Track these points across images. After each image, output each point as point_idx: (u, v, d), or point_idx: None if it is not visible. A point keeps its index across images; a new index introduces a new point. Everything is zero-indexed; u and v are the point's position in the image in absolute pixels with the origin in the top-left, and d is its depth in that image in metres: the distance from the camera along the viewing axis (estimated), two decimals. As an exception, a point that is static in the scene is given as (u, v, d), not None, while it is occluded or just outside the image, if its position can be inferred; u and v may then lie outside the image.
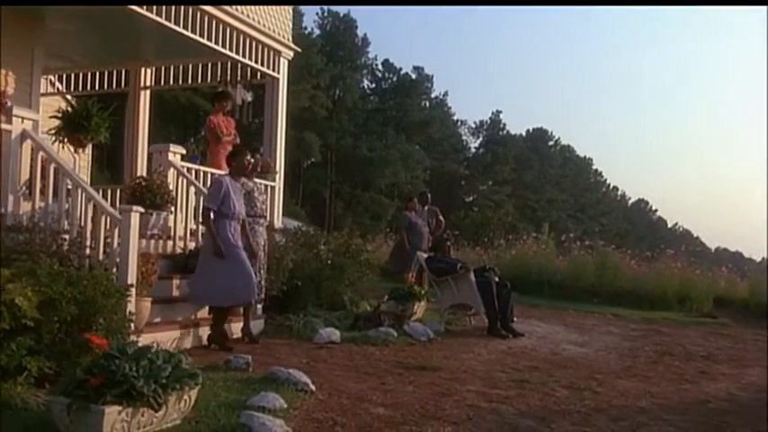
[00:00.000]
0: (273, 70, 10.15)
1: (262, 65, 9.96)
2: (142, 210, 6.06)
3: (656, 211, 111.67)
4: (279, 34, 10.12)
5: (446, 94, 65.97)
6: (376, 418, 4.62)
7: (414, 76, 62.64)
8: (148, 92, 11.12)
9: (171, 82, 11.01)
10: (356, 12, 58.53)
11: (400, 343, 7.47)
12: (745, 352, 8.92)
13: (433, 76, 64.09)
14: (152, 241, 7.74)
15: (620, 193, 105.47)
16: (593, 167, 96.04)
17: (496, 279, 8.93)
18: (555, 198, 78.23)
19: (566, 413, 5.10)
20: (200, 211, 7.24)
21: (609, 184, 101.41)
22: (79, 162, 15.43)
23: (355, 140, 53.79)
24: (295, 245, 9.24)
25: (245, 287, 6.64)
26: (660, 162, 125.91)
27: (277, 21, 10.13)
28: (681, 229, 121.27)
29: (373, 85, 62.33)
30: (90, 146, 14.92)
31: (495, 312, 8.54)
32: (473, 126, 72.20)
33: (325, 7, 56.51)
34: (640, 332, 10.21)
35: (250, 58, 9.72)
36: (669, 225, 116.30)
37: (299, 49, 10.62)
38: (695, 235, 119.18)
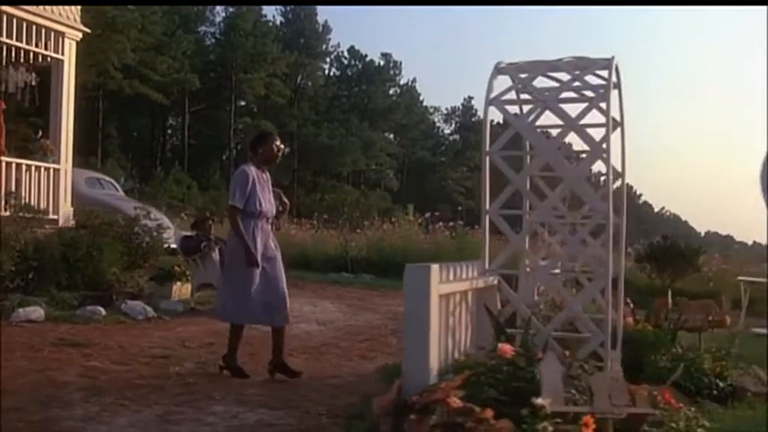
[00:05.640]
0: (57, 52, 10.10)
1: (42, 48, 9.92)
2: None
3: (640, 195, 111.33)
4: (62, 15, 10.04)
5: (414, 80, 65.72)
6: None
7: (381, 63, 62.44)
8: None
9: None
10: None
11: (105, 321, 7.47)
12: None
13: (401, 63, 63.89)
14: None
15: (602, 178, 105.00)
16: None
17: (252, 258, 8.85)
18: (530, 184, 78.04)
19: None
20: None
21: (591, 170, 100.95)
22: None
23: (317, 128, 53.67)
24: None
25: (273, 305, 5.54)
26: (645, 145, 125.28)
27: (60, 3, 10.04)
28: (668, 213, 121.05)
29: (339, 73, 62.14)
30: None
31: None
32: (444, 112, 72.00)
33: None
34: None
35: (25, 41, 9.67)
36: (656, 210, 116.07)
37: (88, 30, 10.52)
38: (684, 219, 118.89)
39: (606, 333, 4.38)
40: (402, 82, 65.57)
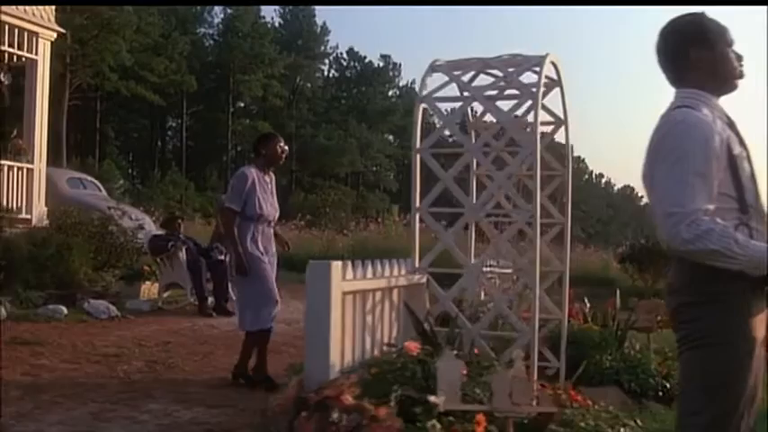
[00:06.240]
0: (30, 52, 10.13)
1: (14, 47, 9.95)
2: None
3: (641, 197, 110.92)
4: (36, 15, 10.07)
5: (414, 81, 65.60)
6: None
7: (380, 64, 62.30)
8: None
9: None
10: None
11: (66, 320, 7.48)
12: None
13: (400, 64, 63.76)
14: None
15: (604, 180, 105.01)
16: (575, 155, 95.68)
17: (221, 257, 8.87)
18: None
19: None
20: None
21: (592, 171, 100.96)
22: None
23: (314, 130, 53.68)
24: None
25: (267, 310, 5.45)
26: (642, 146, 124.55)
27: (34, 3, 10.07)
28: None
29: (337, 74, 62.03)
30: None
31: (203, 292, 8.52)
32: (444, 113, 71.72)
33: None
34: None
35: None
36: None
37: (62, 30, 10.55)
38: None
39: (533, 331, 4.36)
40: (401, 83, 65.51)
